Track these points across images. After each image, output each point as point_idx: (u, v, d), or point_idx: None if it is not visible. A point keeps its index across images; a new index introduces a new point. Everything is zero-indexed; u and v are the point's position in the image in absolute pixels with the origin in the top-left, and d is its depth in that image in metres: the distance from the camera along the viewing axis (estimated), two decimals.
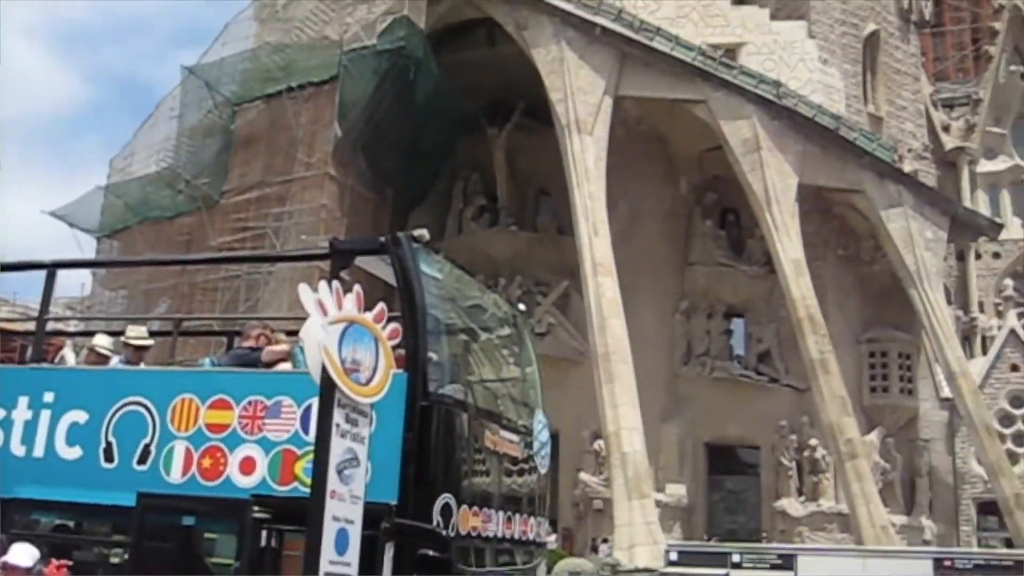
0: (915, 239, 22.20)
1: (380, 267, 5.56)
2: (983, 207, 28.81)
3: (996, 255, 29.00)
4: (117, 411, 5.57)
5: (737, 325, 23.65)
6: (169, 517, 5.48)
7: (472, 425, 5.40)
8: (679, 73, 21.41)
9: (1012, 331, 25.33)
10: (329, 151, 22.26)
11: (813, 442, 21.75)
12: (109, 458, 5.52)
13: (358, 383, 4.21)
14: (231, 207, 23.00)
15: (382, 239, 5.50)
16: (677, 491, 21.94)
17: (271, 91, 23.39)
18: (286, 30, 24.54)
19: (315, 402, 4.29)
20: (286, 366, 5.77)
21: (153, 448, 5.42)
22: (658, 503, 20.05)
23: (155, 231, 24.38)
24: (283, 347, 5.87)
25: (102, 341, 6.54)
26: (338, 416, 4.12)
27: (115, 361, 6.40)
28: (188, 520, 5.57)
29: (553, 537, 17.35)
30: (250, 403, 5.31)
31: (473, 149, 24.61)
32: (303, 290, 4.18)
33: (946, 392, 23.33)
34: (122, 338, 6.51)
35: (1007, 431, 24.35)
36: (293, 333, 5.82)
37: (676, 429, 22.41)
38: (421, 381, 5.04)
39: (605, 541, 19.28)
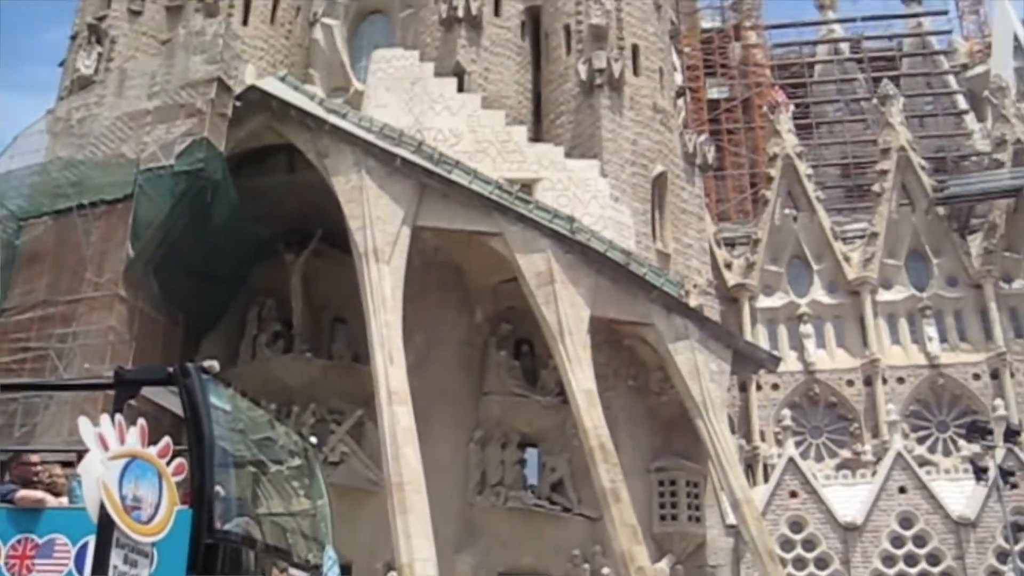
0: (701, 371, 22.95)
1: (168, 398, 5.37)
2: (763, 341, 30.31)
3: (775, 386, 30.49)
4: None
5: (531, 455, 23.75)
6: None
7: (260, 563, 5.19)
8: (477, 206, 21.87)
9: (791, 459, 26.41)
10: (120, 271, 21.44)
11: (606, 571, 21.85)
12: None
13: (139, 521, 4.02)
14: (12, 326, 21.71)
15: (170, 369, 5.31)
16: None
17: (61, 207, 22.44)
18: (80, 145, 23.76)
19: (92, 541, 4.03)
20: (62, 500, 5.40)
21: None
22: None
23: None
24: (38, 494, 5.40)
25: None
26: (116, 557, 3.91)
27: None
28: None
29: None
30: (19, 542, 4.90)
31: (269, 274, 24.26)
32: (83, 423, 3.99)
33: (731, 519, 23.91)
34: None
35: (788, 556, 25.15)
36: (71, 464, 5.49)
37: (470, 559, 22.14)
38: (207, 518, 4.82)
39: None
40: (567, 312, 21.39)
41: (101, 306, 21.60)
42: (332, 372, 23.72)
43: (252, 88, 23.40)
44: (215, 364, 5.32)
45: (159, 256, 22.19)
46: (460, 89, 25.10)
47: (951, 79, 43.20)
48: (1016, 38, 44.05)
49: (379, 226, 21.53)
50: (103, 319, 21.31)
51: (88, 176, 22.58)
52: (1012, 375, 30.15)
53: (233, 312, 24.78)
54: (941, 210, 32.23)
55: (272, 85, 23.75)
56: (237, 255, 23.33)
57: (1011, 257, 31.48)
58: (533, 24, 27.81)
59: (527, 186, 23.01)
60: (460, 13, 26.28)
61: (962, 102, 41.94)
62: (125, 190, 21.85)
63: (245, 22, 28.04)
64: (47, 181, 22.98)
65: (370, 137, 22.33)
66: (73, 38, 29.51)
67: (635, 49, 26.06)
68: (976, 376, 30.51)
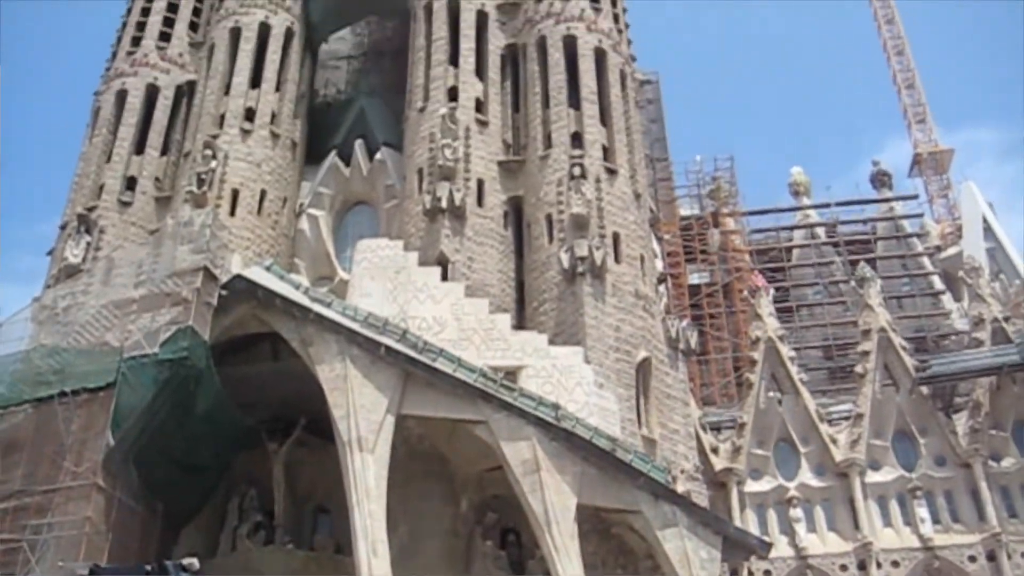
0: (690, 558, 22.44)
1: None
2: (752, 526, 29.81)
3: (767, 573, 29.81)
4: None
5: None
6: None
7: None
8: (461, 394, 21.79)
9: None
10: (99, 460, 21.06)
11: None
12: None
13: None
14: None
15: (148, 567, 5.18)
16: None
17: (42, 395, 22.26)
18: (64, 333, 23.76)
19: None
20: None
21: None
22: None
23: None
24: None
25: None
26: None
27: None
28: None
29: None
30: None
31: (251, 463, 23.97)
32: None
33: None
34: None
35: None
36: None
37: None
38: None
39: None
40: (553, 501, 21.05)
41: (78, 496, 21.16)
42: (314, 564, 23.12)
43: (238, 277, 23.63)
44: (194, 562, 5.25)
45: (140, 445, 21.90)
46: (444, 278, 25.37)
47: (926, 260, 44.16)
48: (985, 220, 45.34)
49: (363, 415, 21.39)
50: (80, 510, 20.83)
51: (71, 364, 22.53)
52: (1009, 556, 29.60)
53: (214, 502, 24.35)
54: (925, 390, 32.28)
55: (258, 274, 23.99)
56: (219, 444, 23.10)
57: (998, 435, 31.38)
58: (516, 214, 28.39)
59: (511, 374, 22.98)
60: (444, 204, 26.83)
61: (938, 283, 42.74)
62: (108, 378, 21.74)
63: (233, 213, 28.62)
64: (29, 369, 22.91)
65: (354, 326, 22.44)
66: (63, 227, 30.01)
67: (616, 237, 26.53)
68: (972, 558, 29.91)
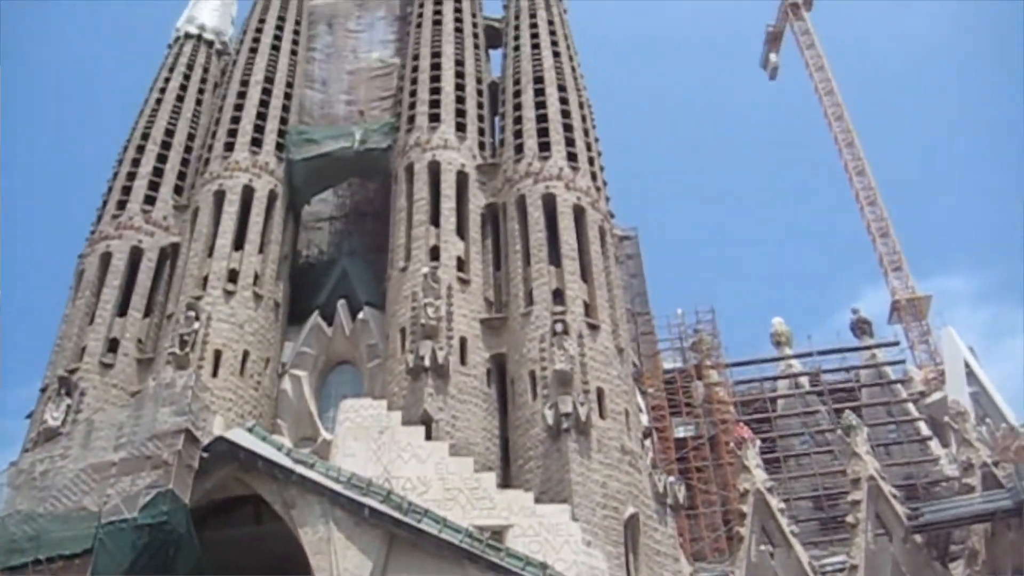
0: None
1: None
2: None
3: None
4: None
5: None
6: None
7: None
8: (447, 555, 21.42)
9: None
10: None
11: None
12: None
13: None
14: None
15: None
16: None
17: (15, 563, 21.88)
18: (41, 499, 23.44)
19: None
20: None
21: None
22: None
23: None
24: None
25: None
26: None
27: None
28: None
29: None
30: None
31: None
32: None
33: None
34: None
35: None
36: None
37: None
38: None
39: None
40: None
41: None
42: None
43: (220, 439, 23.51)
44: None
45: None
46: (428, 437, 25.20)
47: (911, 407, 44.13)
48: (967, 364, 45.52)
49: None
50: None
51: (47, 530, 22.15)
52: None
53: None
54: (919, 538, 31.78)
55: (240, 436, 23.84)
56: None
57: None
58: (499, 371, 28.40)
59: (498, 533, 22.62)
60: (427, 362, 26.83)
61: (924, 429, 42.64)
62: (84, 544, 21.41)
63: (215, 374, 28.52)
64: (3, 536, 22.49)
65: (338, 487, 22.21)
66: (43, 390, 29.81)
67: (600, 392, 26.49)
68: None
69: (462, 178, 32.19)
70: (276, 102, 36.20)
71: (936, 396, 44.39)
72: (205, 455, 22.94)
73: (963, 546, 31.85)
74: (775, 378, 44.96)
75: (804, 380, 44.66)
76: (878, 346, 47.11)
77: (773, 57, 75.76)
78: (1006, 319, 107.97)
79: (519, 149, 32.41)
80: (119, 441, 23.48)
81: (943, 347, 48.99)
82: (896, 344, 48.20)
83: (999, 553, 31.31)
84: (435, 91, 34.64)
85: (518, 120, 33.35)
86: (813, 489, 38.41)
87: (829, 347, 45.73)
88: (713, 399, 40.59)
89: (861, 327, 49.10)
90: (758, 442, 35.64)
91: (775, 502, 32.75)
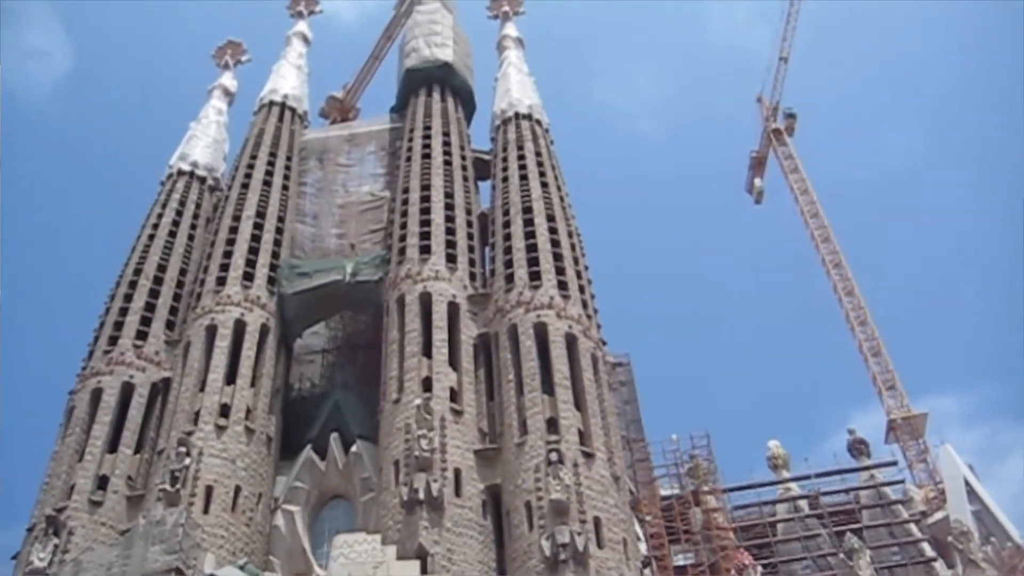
0: None
1: None
2: None
3: None
4: None
5: None
6: None
7: None
8: None
9: None
10: None
11: None
12: None
13: None
14: None
15: None
16: None
17: None
18: None
19: None
20: None
21: None
22: None
23: None
24: None
25: None
26: None
27: None
28: None
29: None
30: None
31: None
32: None
33: None
34: None
35: None
36: None
37: None
38: None
39: None
40: None
41: None
42: None
43: None
44: None
45: None
46: (424, 571, 24.75)
47: (913, 527, 43.49)
48: (967, 483, 45.10)
49: None
50: None
51: None
52: None
53: None
54: None
55: (232, 574, 23.45)
56: None
57: None
58: (494, 502, 28.03)
59: None
60: (421, 495, 26.48)
61: (928, 550, 41.93)
62: None
63: (206, 510, 28.10)
64: None
65: None
66: (30, 530, 29.29)
67: (597, 522, 26.12)
68: None
69: (453, 309, 32.33)
70: (268, 236, 36.57)
71: (938, 516, 43.83)
72: None
73: None
74: (774, 502, 44.36)
75: (803, 503, 44.08)
76: (876, 466, 46.69)
77: (758, 182, 77.08)
78: (999, 439, 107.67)
79: (510, 279, 32.66)
80: None
81: (942, 466, 48.59)
82: (895, 464, 47.85)
83: None
84: (425, 223, 35.06)
85: (508, 250, 33.70)
86: None
87: (827, 469, 45.32)
88: (712, 525, 39.97)
89: (858, 448, 48.70)
90: (759, 568, 35.08)
91: None
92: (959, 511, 42.15)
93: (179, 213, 39.41)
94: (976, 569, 34.01)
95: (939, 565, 41.04)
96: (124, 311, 35.15)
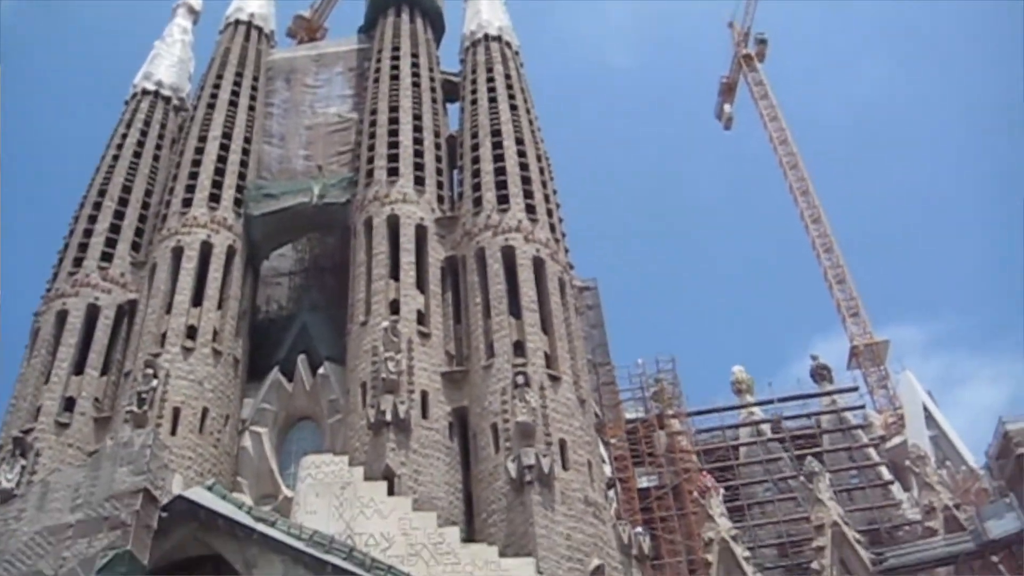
0: None
1: None
2: None
3: None
4: None
5: None
6: None
7: None
8: None
9: None
10: None
11: None
12: None
13: None
14: None
15: None
16: None
17: None
18: None
19: None
20: None
21: None
22: None
23: None
24: None
25: None
26: None
27: None
28: None
29: None
30: None
31: None
32: None
33: None
34: None
35: None
36: None
37: None
38: None
39: None
40: None
41: None
42: None
43: (179, 498, 23.06)
44: None
45: None
46: (391, 492, 24.96)
47: (872, 451, 44.33)
48: (925, 408, 45.99)
49: None
50: None
51: None
52: None
53: None
54: None
55: (200, 495, 23.45)
56: None
57: None
58: (461, 425, 28.28)
59: None
60: (388, 417, 26.68)
61: (886, 473, 42.84)
62: None
63: (174, 432, 28.20)
64: None
65: (299, 545, 21.83)
66: None
67: (563, 444, 26.43)
68: None
69: (421, 231, 32.26)
70: (234, 157, 36.21)
71: (896, 440, 44.77)
72: (164, 515, 22.44)
73: None
74: (737, 426, 45.06)
75: (766, 427, 44.79)
76: (838, 392, 47.40)
77: (727, 108, 76.89)
78: (958, 369, 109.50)
79: (478, 202, 32.58)
80: (75, 502, 22.97)
81: (901, 392, 49.57)
82: (855, 389, 48.62)
83: None
84: (393, 145, 34.81)
85: (476, 173, 33.57)
86: (777, 536, 38.41)
87: (790, 394, 45.99)
88: (675, 449, 40.61)
89: (821, 373, 49.41)
90: (721, 491, 35.68)
91: (740, 550, 32.79)
92: (917, 436, 43.09)
93: (144, 133, 38.89)
94: (931, 491, 34.87)
95: (896, 488, 41.99)
96: (89, 233, 34.82)
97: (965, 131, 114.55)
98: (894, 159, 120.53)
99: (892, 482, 42.18)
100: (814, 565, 32.76)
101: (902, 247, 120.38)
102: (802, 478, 37.31)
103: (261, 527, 22.41)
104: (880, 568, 31.95)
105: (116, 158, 37.53)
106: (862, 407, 47.65)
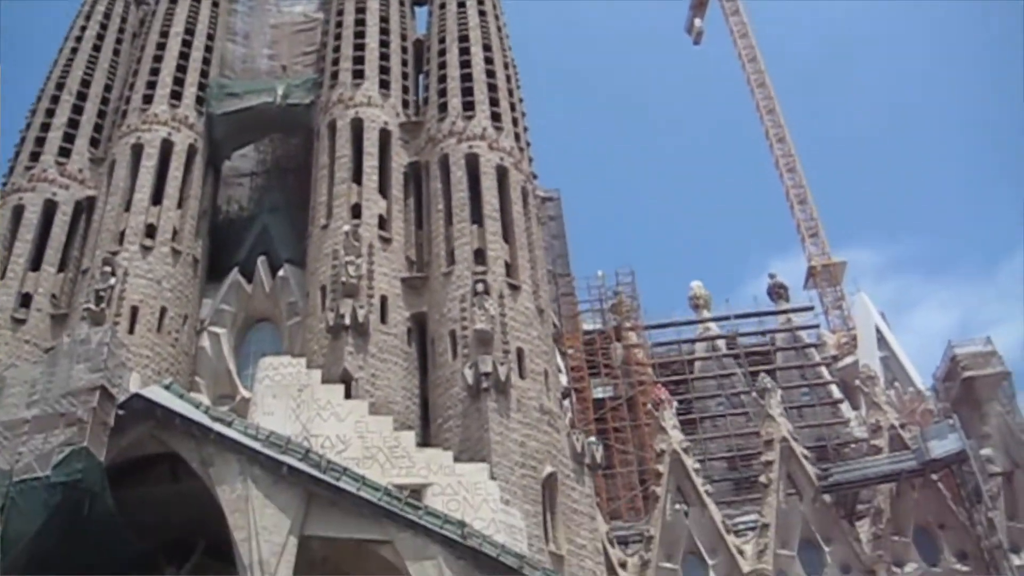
0: None
1: None
2: None
3: None
4: None
5: None
6: None
7: None
8: (366, 513, 21.39)
9: None
10: None
11: None
12: None
13: None
14: None
15: None
16: None
17: None
18: None
19: None
20: None
21: None
22: None
23: None
24: None
25: None
26: None
27: None
28: None
29: None
30: None
31: None
32: None
33: None
34: None
35: None
36: None
37: None
38: None
39: None
40: None
41: None
42: None
43: (136, 396, 23.11)
44: None
45: (29, 573, 21.03)
46: (348, 395, 25.17)
47: (823, 370, 45.02)
48: (878, 330, 46.62)
49: (265, 536, 20.85)
50: None
51: None
52: None
53: None
54: (828, 498, 32.67)
55: (157, 393, 23.50)
56: (114, 570, 22.21)
57: (900, 541, 31.78)
58: (419, 330, 28.44)
59: (417, 492, 22.70)
60: (347, 320, 26.77)
61: (836, 392, 43.58)
62: None
63: (132, 330, 28.15)
64: None
65: (256, 445, 22.02)
66: None
67: (520, 353, 26.69)
68: None
69: (385, 136, 32.00)
70: (196, 54, 35.56)
71: (848, 360, 45.39)
72: (121, 412, 22.52)
73: (869, 505, 32.82)
74: (693, 341, 45.55)
75: (721, 343, 45.32)
76: (793, 311, 47.97)
77: (698, 22, 75.98)
78: (911, 292, 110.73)
79: (443, 108, 32.31)
80: (32, 398, 22.97)
81: (855, 313, 50.10)
82: (811, 309, 49.20)
83: (903, 512, 32.38)
84: (359, 47, 34.30)
85: (442, 79, 33.22)
86: (728, 450, 39.12)
87: (746, 311, 46.46)
88: (631, 361, 41.04)
89: (777, 292, 49.89)
90: (675, 403, 36.16)
91: (690, 462, 33.37)
92: (868, 356, 43.73)
93: (104, 27, 37.98)
94: (878, 411, 35.49)
95: (845, 407, 42.78)
96: (46, 127, 34.22)
97: (935, 56, 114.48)
98: (862, 82, 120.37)
99: (842, 400, 42.97)
100: (762, 479, 33.45)
101: (865, 170, 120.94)
102: (754, 394, 37.91)
103: (218, 427, 22.53)
104: (825, 483, 32.67)
105: (75, 51, 36.71)
106: (816, 327, 48.27)
